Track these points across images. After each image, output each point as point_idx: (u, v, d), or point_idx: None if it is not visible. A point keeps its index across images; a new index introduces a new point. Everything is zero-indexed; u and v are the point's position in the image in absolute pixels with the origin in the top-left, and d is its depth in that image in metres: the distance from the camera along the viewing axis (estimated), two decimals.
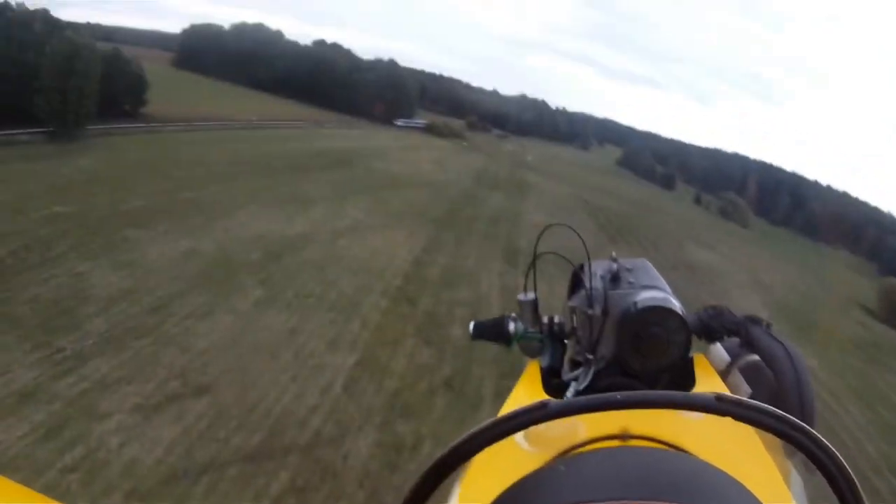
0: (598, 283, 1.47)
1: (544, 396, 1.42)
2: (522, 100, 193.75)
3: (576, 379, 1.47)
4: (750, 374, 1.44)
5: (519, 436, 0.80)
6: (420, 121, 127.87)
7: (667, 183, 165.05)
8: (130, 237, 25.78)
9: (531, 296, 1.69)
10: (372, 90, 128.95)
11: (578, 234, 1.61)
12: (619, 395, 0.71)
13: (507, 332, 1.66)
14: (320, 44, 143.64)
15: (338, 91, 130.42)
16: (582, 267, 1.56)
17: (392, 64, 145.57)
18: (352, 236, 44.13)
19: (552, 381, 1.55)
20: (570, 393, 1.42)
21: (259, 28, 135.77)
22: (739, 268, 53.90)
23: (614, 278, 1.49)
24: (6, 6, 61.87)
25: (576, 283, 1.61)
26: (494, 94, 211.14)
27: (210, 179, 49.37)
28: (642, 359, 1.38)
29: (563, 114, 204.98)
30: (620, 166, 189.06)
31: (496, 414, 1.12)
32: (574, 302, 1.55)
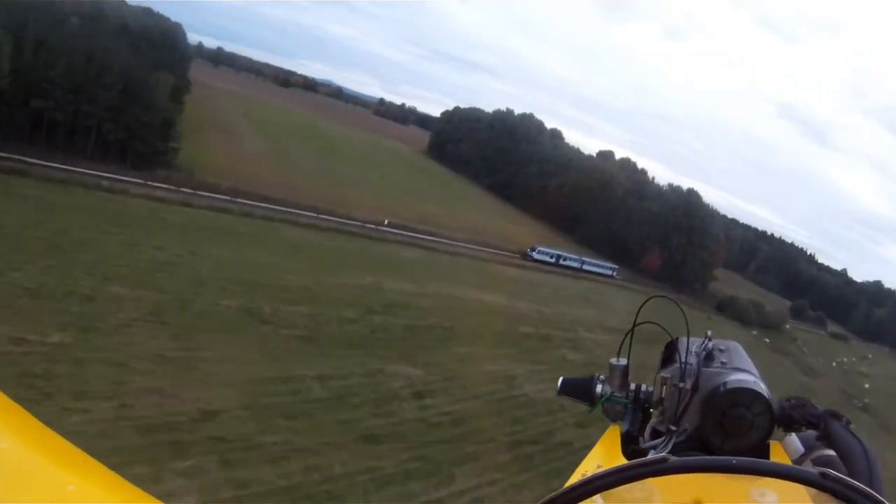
0: (691, 359, 1.52)
1: (623, 459, 1.47)
2: (877, 289, 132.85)
3: (654, 448, 1.51)
4: (824, 467, 1.25)
5: (598, 497, 0.85)
6: (605, 264, 73.48)
7: None
8: None
9: (623, 361, 1.73)
10: (652, 227, 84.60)
11: (681, 308, 1.68)
12: (734, 459, 0.72)
13: (594, 393, 1.71)
14: (606, 156, 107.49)
15: (601, 218, 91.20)
16: (677, 341, 1.60)
17: (692, 196, 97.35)
18: None
19: (630, 446, 1.58)
20: None
21: (525, 120, 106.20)
22: None
23: (708, 356, 1.54)
24: None
25: (669, 356, 1.62)
26: (843, 275, 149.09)
27: None
28: (724, 437, 1.41)
29: None
30: None
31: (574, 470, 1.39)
32: (665, 373, 1.58)
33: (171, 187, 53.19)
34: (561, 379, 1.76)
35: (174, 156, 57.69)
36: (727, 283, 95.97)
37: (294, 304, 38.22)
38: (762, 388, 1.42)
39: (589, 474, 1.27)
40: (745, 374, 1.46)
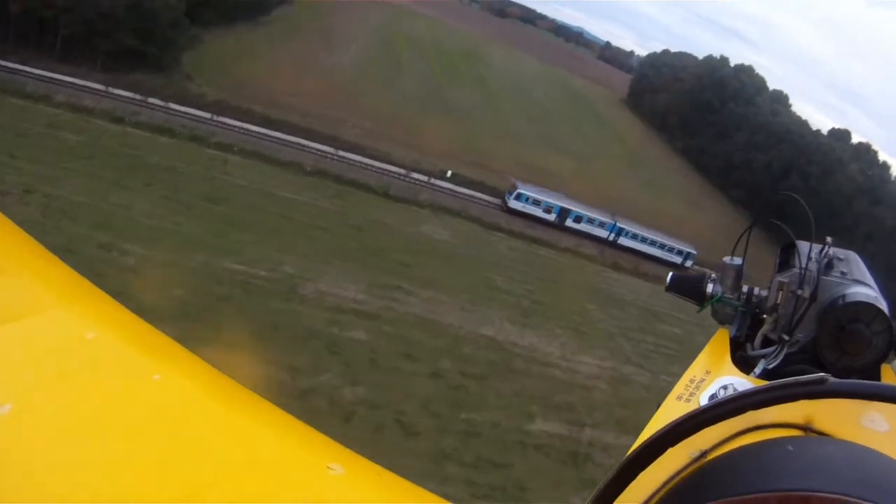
0: (811, 266, 1.42)
1: (733, 366, 1.40)
2: None
3: (765, 357, 1.42)
4: None
5: (704, 400, 0.85)
6: (671, 242, 48.70)
7: None
8: None
9: (737, 261, 1.61)
10: (881, 247, 52.55)
11: (807, 209, 1.56)
12: None
13: (704, 292, 1.60)
14: (839, 136, 73.30)
15: (815, 218, 57.68)
16: (794, 245, 1.50)
17: None
18: None
19: (737, 353, 1.50)
20: (758, 370, 1.38)
21: (741, 73, 76.79)
22: None
23: (828, 264, 1.44)
24: None
25: (786, 260, 1.52)
26: None
27: None
28: (839, 353, 1.33)
29: None
30: None
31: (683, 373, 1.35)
32: (782, 278, 1.47)
33: (135, 97, 38.99)
34: (670, 275, 1.65)
35: (172, 59, 43.34)
36: None
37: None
38: (883, 304, 1.30)
39: (698, 379, 1.34)
40: (867, 287, 1.36)
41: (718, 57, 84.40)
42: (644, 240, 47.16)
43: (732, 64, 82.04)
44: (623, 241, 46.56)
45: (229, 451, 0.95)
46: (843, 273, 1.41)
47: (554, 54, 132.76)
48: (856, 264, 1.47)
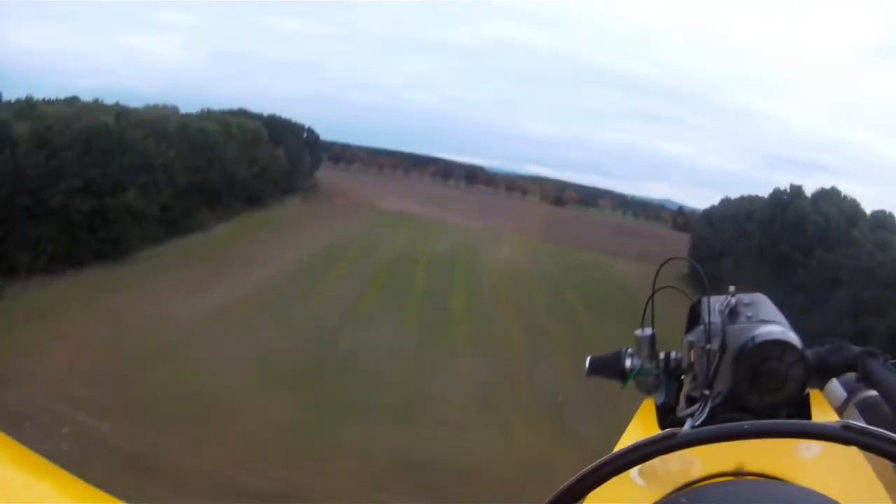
0: (716, 318, 1.46)
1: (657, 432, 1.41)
2: None
3: (691, 415, 1.46)
4: (868, 410, 1.39)
5: (634, 471, 0.86)
6: None
7: None
8: None
9: (648, 331, 1.65)
10: None
11: (698, 268, 1.61)
12: (746, 424, 0.69)
13: (624, 367, 1.64)
14: None
15: None
16: (699, 302, 1.55)
17: None
18: None
19: (667, 418, 1.55)
20: (686, 429, 1.39)
21: (822, 201, 53.67)
22: None
23: (732, 313, 1.48)
24: None
25: (693, 318, 1.58)
26: None
27: None
28: (759, 394, 1.36)
29: None
30: None
31: (612, 451, 1.28)
32: (691, 337, 1.53)
33: None
34: (589, 358, 1.68)
35: None
36: None
37: None
38: (791, 336, 1.35)
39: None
40: (773, 324, 1.39)
41: (787, 188, 59.48)
42: None
43: (809, 193, 57.22)
44: None
45: None
46: (748, 317, 1.42)
47: (611, 236, 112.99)
48: (762, 305, 1.47)
